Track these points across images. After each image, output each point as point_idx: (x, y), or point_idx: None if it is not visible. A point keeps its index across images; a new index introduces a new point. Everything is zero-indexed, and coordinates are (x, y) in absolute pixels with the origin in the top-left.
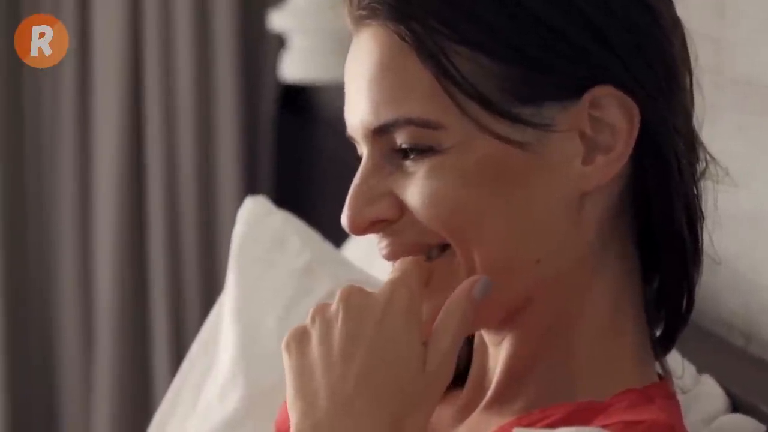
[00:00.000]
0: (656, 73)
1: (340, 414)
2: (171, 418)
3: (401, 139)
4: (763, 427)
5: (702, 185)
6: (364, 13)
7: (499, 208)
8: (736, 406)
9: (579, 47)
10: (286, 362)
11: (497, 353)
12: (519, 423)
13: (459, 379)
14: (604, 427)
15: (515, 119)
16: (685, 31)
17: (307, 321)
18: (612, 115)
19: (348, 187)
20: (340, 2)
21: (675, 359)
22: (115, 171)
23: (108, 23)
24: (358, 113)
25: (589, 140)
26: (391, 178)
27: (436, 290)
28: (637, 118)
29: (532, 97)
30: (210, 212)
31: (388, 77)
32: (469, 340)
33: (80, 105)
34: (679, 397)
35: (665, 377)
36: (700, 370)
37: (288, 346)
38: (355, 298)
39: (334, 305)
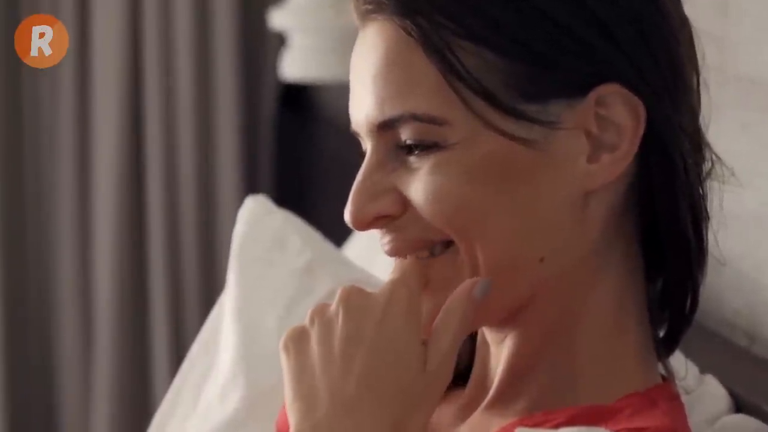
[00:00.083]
0: (662, 72)
1: (341, 415)
2: (171, 419)
3: (406, 134)
4: (766, 427)
5: (707, 185)
6: (370, 7)
7: (503, 205)
8: (739, 406)
9: (585, 43)
10: (285, 363)
11: (499, 352)
12: (521, 424)
13: (461, 378)
14: None
15: (520, 116)
16: (693, 30)
17: (306, 321)
18: (618, 113)
19: (349, 187)
20: (341, 0)
21: (678, 359)
22: (114, 170)
23: (107, 22)
24: (363, 108)
25: (595, 138)
26: (394, 174)
27: (439, 288)
28: (643, 117)
29: (538, 93)
30: (210, 212)
31: (393, 72)
32: (472, 339)
33: (79, 105)
34: (683, 397)
35: (668, 378)
36: (704, 370)
37: (286, 346)
38: (355, 298)
39: (334, 306)
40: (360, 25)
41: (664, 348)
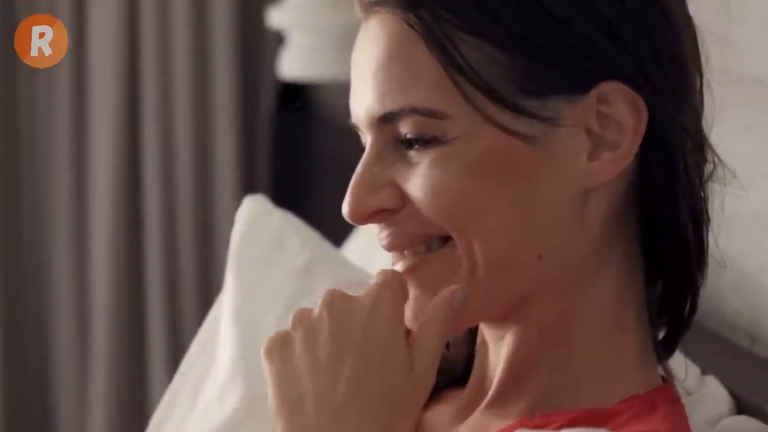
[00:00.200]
0: (665, 71)
1: (329, 421)
2: (168, 420)
3: (406, 128)
4: (767, 428)
5: (709, 187)
6: (373, 0)
7: (502, 201)
8: (740, 407)
9: (585, 39)
10: (269, 369)
11: (498, 350)
12: (522, 426)
13: (460, 378)
14: None
15: (520, 111)
16: (697, 32)
17: (289, 326)
18: (619, 111)
19: (347, 186)
20: None
21: (678, 361)
22: (111, 170)
23: (104, 21)
24: (364, 102)
25: (596, 136)
26: (393, 168)
27: (435, 284)
28: (644, 115)
29: (538, 89)
30: (207, 211)
31: (395, 66)
32: (471, 340)
33: (76, 104)
34: (684, 399)
35: (668, 379)
36: (705, 371)
37: (270, 352)
38: (340, 302)
39: (317, 310)
40: (363, 18)
41: (663, 350)
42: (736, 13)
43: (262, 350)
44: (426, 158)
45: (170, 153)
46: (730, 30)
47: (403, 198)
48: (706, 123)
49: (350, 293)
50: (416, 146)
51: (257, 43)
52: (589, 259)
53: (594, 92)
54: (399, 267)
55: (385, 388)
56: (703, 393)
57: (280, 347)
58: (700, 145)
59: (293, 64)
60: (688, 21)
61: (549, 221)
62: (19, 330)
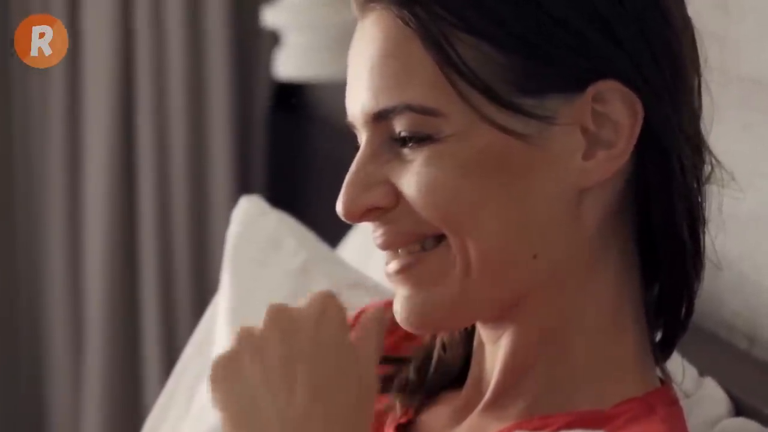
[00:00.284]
0: (663, 71)
1: None
2: (163, 422)
3: (400, 126)
4: (766, 430)
5: (706, 190)
6: None
7: (496, 199)
8: (738, 409)
9: (581, 37)
10: (217, 393)
11: (495, 351)
12: (519, 428)
13: (457, 380)
14: None
15: (517, 110)
16: (696, 33)
17: (233, 346)
18: (615, 110)
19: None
20: None
21: (676, 362)
22: (105, 170)
23: (99, 20)
24: (359, 99)
25: (591, 135)
26: (388, 166)
27: (429, 283)
28: (640, 115)
29: (534, 88)
30: (202, 211)
31: (390, 63)
32: (468, 341)
33: (70, 104)
34: (682, 401)
35: (666, 381)
36: (702, 372)
37: (215, 377)
38: (283, 314)
39: (262, 327)
40: (359, 16)
41: (660, 353)
42: (734, 12)
43: (207, 377)
44: (420, 156)
45: (165, 153)
46: (728, 29)
47: (397, 196)
48: (704, 124)
49: (349, 294)
50: (410, 144)
51: (252, 43)
52: (585, 258)
53: (590, 90)
54: (393, 266)
55: (342, 395)
56: (701, 395)
57: (227, 369)
58: (697, 146)
59: (288, 64)
60: (686, 22)
61: (544, 220)
62: (13, 330)
